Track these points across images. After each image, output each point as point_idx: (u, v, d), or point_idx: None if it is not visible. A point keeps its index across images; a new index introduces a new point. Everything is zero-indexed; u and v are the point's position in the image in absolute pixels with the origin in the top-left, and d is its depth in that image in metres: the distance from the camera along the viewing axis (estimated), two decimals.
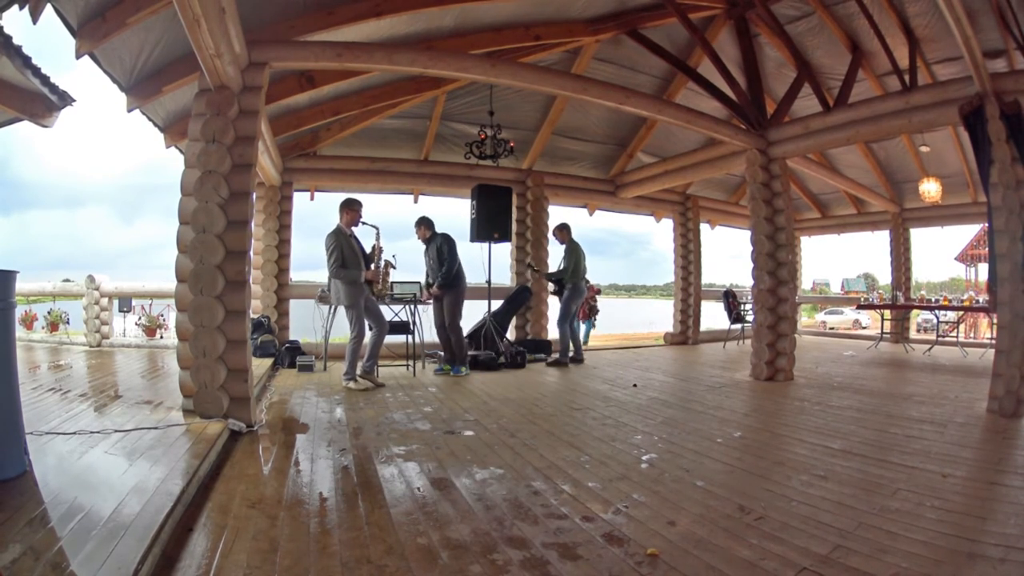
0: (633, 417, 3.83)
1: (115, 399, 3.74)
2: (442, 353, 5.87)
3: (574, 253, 6.52)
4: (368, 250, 5.17)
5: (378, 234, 5.29)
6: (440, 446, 3.06)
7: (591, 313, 9.00)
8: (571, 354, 6.62)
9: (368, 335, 4.96)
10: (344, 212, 4.97)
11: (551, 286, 7.03)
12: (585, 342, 8.32)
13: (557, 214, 8.13)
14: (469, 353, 6.02)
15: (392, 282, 5.50)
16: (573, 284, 6.48)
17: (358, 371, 4.83)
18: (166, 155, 5.26)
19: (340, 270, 4.76)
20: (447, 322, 5.66)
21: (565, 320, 6.53)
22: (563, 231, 6.67)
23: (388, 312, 5.67)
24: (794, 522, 2.06)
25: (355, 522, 2.05)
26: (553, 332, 7.76)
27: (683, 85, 6.85)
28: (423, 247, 5.77)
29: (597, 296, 9.38)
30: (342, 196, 5.24)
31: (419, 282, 5.72)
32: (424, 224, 5.66)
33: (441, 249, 5.54)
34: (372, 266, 5.18)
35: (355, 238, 5.00)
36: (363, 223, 5.08)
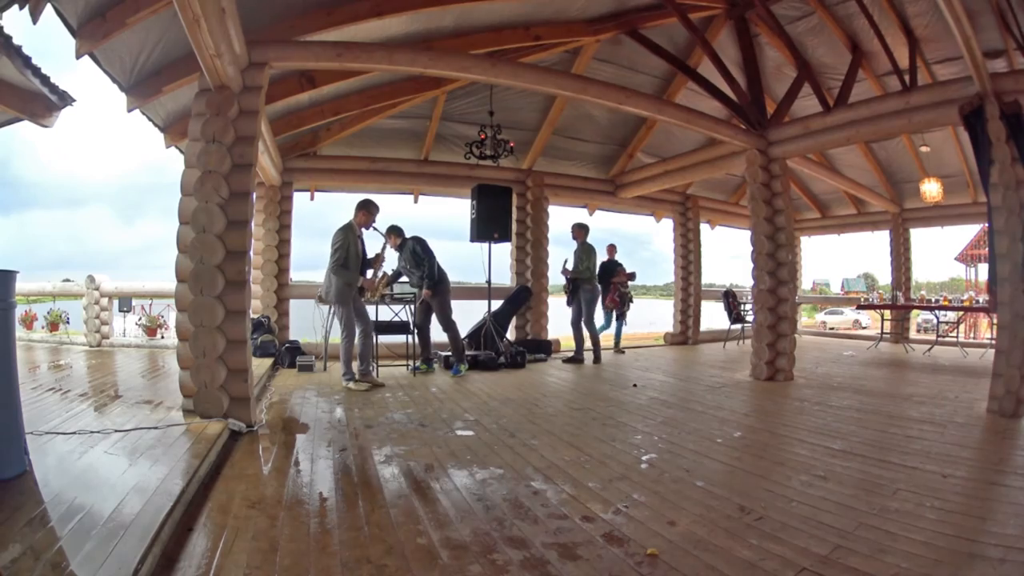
0: (633, 417, 3.83)
1: (115, 399, 3.74)
2: (445, 354, 5.88)
3: (592, 254, 6.66)
4: (371, 255, 5.20)
5: (385, 245, 5.34)
6: (440, 446, 3.06)
7: (622, 302, 7.76)
8: (574, 352, 6.71)
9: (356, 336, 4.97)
10: (360, 212, 4.98)
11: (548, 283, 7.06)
12: (617, 337, 7.83)
13: (557, 214, 8.12)
14: (469, 353, 6.04)
15: (390, 276, 5.58)
16: (592, 285, 6.63)
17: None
18: (166, 155, 5.28)
19: (341, 269, 4.77)
20: (440, 322, 5.69)
21: (591, 319, 6.63)
22: (582, 231, 6.77)
23: (388, 312, 5.69)
24: (794, 522, 2.06)
25: (355, 522, 2.05)
26: (553, 332, 7.79)
27: (683, 85, 6.85)
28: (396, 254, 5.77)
29: (629, 282, 7.93)
30: (342, 196, 5.28)
31: (414, 292, 5.70)
32: (394, 232, 5.65)
33: (415, 251, 5.54)
34: (370, 273, 5.20)
35: (361, 240, 5.03)
36: (374, 228, 5.11)
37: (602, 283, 7.25)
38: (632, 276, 7.94)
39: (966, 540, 1.90)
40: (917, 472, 2.63)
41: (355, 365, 4.86)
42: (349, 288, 4.82)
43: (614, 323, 7.91)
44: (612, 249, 7.80)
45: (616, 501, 2.28)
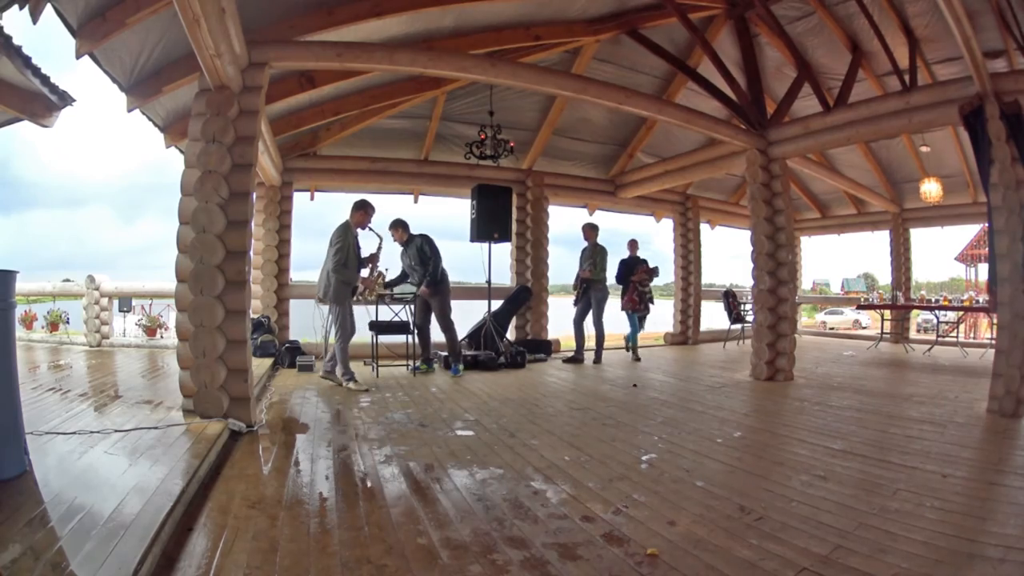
0: (633, 417, 3.83)
1: (115, 399, 3.74)
2: (444, 354, 5.89)
3: (604, 255, 6.65)
4: (365, 255, 5.21)
5: (380, 245, 5.35)
6: (440, 446, 3.06)
7: (641, 301, 6.96)
8: (575, 352, 6.72)
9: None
10: (356, 212, 4.98)
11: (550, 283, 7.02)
12: (634, 342, 7.17)
13: (557, 214, 8.13)
14: (469, 353, 6.04)
15: (395, 278, 5.62)
16: (603, 285, 6.62)
17: (320, 372, 4.93)
18: (166, 155, 5.28)
19: (342, 268, 4.78)
20: (440, 322, 5.68)
21: (599, 319, 6.59)
22: (593, 231, 6.77)
23: (388, 312, 5.69)
24: (794, 522, 2.06)
25: (355, 522, 2.05)
26: (553, 332, 7.78)
27: (683, 85, 6.84)
28: (400, 249, 5.74)
29: (649, 279, 6.99)
30: (342, 196, 5.29)
31: (413, 291, 5.69)
32: (400, 226, 5.62)
33: (423, 249, 5.52)
34: (365, 272, 5.23)
35: (357, 239, 5.03)
36: (370, 229, 5.12)
37: (623, 283, 7.02)
38: (654, 272, 7.03)
39: (966, 540, 1.90)
40: (917, 472, 2.63)
41: (322, 361, 4.89)
42: (346, 287, 4.84)
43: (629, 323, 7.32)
44: (633, 245, 7.10)
45: (616, 501, 2.28)
